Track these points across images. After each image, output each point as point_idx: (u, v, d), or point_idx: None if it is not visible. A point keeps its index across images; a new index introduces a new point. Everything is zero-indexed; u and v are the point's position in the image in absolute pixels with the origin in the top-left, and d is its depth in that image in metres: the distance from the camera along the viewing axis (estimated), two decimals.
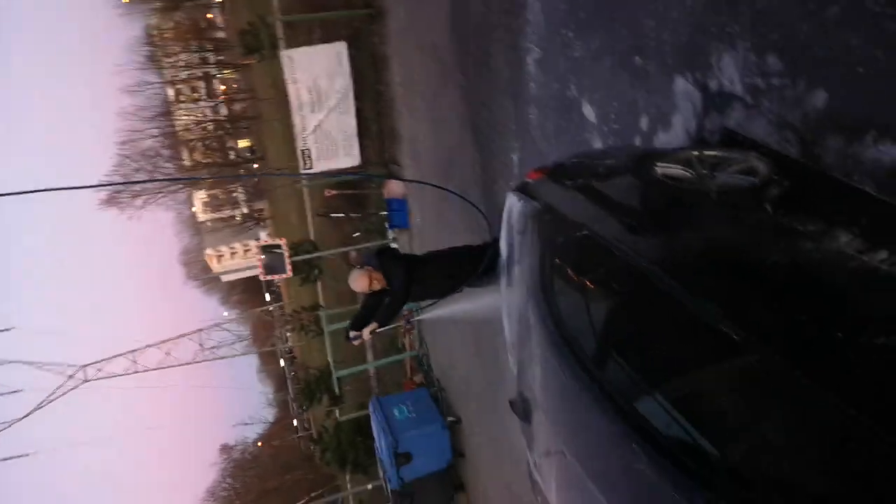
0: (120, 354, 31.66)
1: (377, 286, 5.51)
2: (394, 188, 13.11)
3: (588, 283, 2.72)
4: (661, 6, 3.92)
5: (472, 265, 5.30)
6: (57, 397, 30.88)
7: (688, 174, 3.18)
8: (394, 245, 13.03)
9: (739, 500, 1.81)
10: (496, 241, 4.01)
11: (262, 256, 13.07)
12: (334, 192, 16.00)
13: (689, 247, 2.61)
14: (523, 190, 3.60)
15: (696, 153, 3.25)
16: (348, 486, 14.23)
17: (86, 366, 31.56)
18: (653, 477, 2.08)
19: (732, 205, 2.84)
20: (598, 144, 5.01)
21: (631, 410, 2.22)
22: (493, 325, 4.20)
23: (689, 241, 2.65)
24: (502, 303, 3.54)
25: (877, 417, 1.68)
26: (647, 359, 2.30)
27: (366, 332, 5.47)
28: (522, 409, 3.01)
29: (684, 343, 2.24)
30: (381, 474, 12.37)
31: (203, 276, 50.10)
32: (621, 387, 2.32)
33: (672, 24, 3.84)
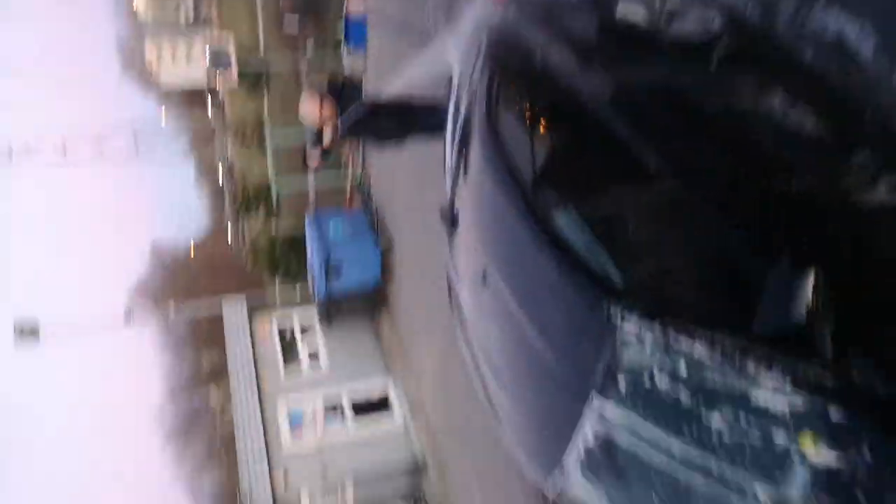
0: (47, 137, 29.78)
1: (327, 112, 5.34)
2: (355, 4, 12.46)
3: (531, 104, 2.84)
4: None
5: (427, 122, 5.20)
6: None
7: (645, 18, 3.23)
8: (346, 60, 12.60)
9: (635, 313, 2.08)
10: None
11: (208, 53, 12.46)
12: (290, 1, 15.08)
13: (633, 84, 2.73)
14: (482, 10, 3.58)
15: None
16: (276, 294, 14.82)
17: (12, 145, 29.63)
18: (563, 285, 2.35)
19: (681, 52, 2.94)
20: None
21: (551, 224, 2.45)
22: (439, 154, 4.29)
23: (633, 80, 2.77)
24: (447, 119, 3.63)
25: (764, 253, 1.94)
26: (572, 179, 2.51)
27: (326, 134, 5.34)
28: (450, 217, 3.22)
29: (608, 169, 2.44)
30: (310, 286, 12.88)
31: (141, 75, 47.19)
32: (545, 202, 2.53)
33: None
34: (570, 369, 2.37)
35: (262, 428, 11.69)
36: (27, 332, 12.06)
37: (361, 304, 12.19)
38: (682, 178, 2.23)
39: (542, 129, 2.79)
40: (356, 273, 11.60)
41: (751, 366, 1.84)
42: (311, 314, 12.88)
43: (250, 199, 17.41)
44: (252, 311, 13.52)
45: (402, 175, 10.62)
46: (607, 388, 2.20)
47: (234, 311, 13.49)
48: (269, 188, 15.78)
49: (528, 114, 2.88)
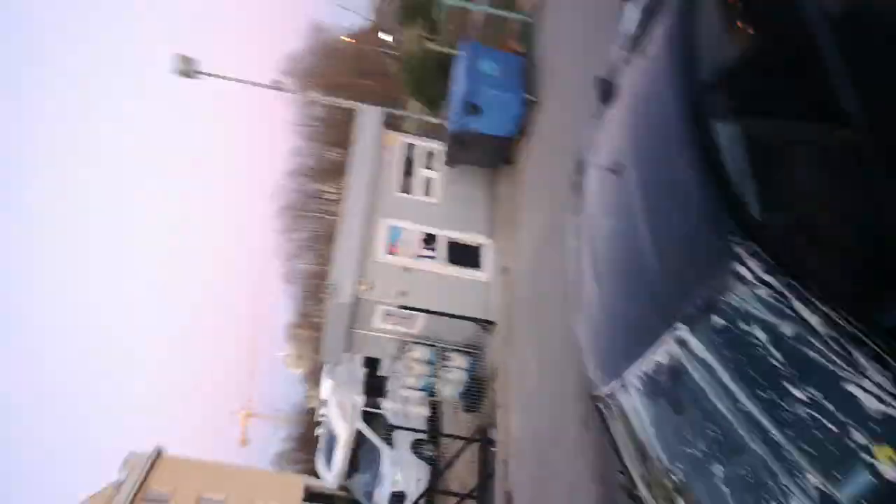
0: None
1: None
2: None
3: None
4: None
5: None
6: None
7: None
8: None
9: (763, 258, 1.88)
10: None
11: None
12: None
13: (868, 9, 2.31)
14: None
15: None
16: (412, 115, 14.88)
17: None
18: (697, 199, 2.16)
19: None
20: None
21: (710, 133, 2.21)
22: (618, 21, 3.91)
23: (871, 4, 2.34)
24: None
25: None
26: (754, 93, 2.21)
27: None
28: (607, 91, 2.99)
29: (798, 93, 2.12)
30: (445, 116, 12.79)
31: None
32: (713, 109, 2.27)
33: None
34: (670, 287, 2.26)
35: (363, 232, 12.31)
36: (184, 69, 12.68)
37: (488, 152, 12.01)
38: (878, 131, 1.92)
39: (743, 30, 2.45)
40: (494, 119, 11.30)
41: (861, 358, 1.68)
42: (439, 146, 12.92)
43: (414, 7, 16.98)
44: (385, 124, 13.70)
45: (573, 32, 9.97)
46: (697, 319, 2.08)
47: (369, 118, 13.72)
48: (435, 2, 15.29)
49: (733, 6, 2.53)
